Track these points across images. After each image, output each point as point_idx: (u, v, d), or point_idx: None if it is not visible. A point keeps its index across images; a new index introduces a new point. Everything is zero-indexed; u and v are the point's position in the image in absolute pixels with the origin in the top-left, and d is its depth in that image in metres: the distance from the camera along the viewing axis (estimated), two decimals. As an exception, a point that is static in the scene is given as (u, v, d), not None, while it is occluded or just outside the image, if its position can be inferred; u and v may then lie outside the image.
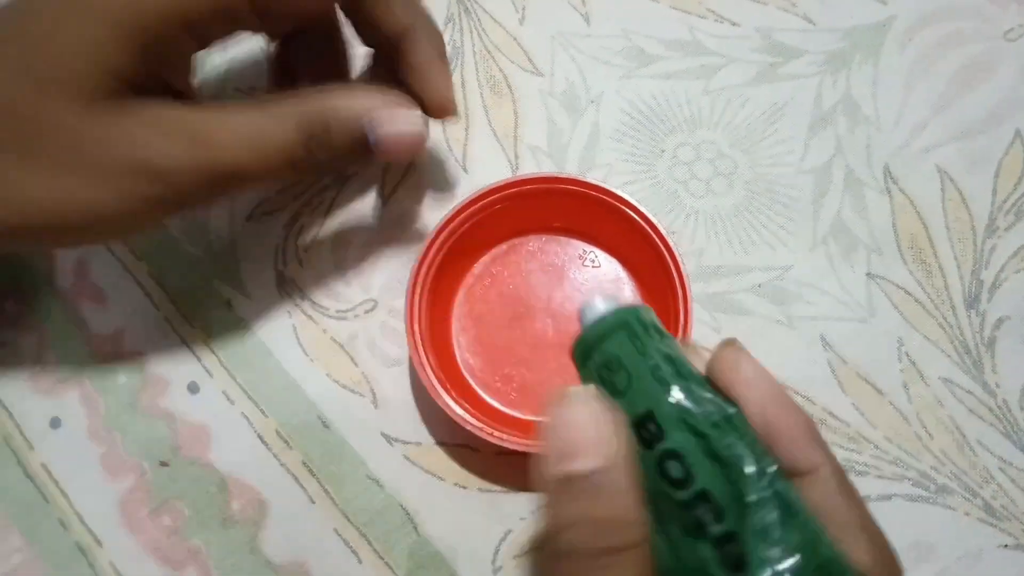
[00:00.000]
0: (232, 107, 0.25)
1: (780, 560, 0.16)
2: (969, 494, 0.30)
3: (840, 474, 0.18)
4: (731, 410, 0.18)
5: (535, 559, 0.29)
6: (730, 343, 0.20)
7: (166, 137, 0.24)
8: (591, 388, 0.19)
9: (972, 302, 0.33)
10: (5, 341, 0.33)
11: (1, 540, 0.30)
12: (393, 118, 0.25)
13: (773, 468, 0.17)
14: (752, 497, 0.17)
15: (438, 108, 0.29)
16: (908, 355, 0.32)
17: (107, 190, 0.23)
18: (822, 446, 0.18)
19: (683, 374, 0.19)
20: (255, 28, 0.26)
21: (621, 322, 0.19)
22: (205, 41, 0.25)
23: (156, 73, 0.24)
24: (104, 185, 0.23)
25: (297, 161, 0.25)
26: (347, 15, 0.28)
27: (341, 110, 0.25)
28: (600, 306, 0.20)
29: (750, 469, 0.17)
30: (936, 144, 0.35)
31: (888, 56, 0.36)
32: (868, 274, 0.33)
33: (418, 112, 0.27)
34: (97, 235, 0.25)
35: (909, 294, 0.33)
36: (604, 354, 0.19)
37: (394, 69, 0.29)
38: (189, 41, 0.25)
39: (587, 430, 0.17)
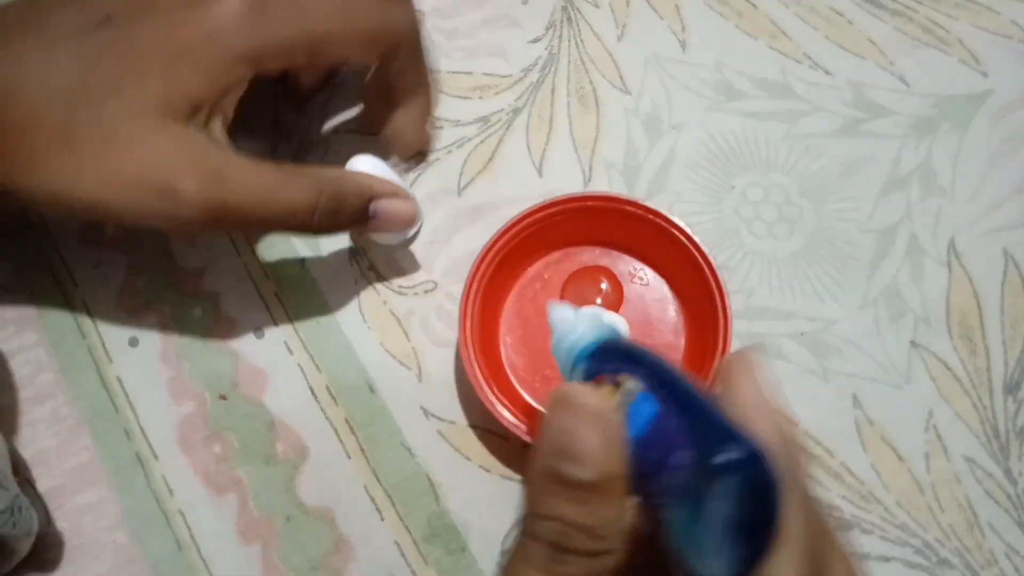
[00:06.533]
0: (258, 163, 0.29)
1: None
2: (970, 572, 0.31)
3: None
4: None
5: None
6: (743, 354, 0.20)
7: (193, 166, 0.27)
8: (614, 401, 0.19)
9: (1012, 388, 0.33)
10: (100, 261, 0.36)
11: (74, 438, 0.33)
12: (394, 204, 0.32)
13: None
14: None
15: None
16: (936, 427, 0.33)
17: (114, 192, 0.27)
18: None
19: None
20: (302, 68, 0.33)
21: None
22: (258, 77, 0.29)
23: (218, 104, 0.28)
24: (113, 187, 0.27)
25: (298, 223, 0.30)
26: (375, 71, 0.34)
27: (354, 186, 0.31)
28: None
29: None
30: (1007, 226, 0.35)
31: (976, 130, 0.36)
32: (912, 342, 0.34)
33: (414, 208, 0.33)
34: (117, 222, 0.31)
35: (949, 369, 0.33)
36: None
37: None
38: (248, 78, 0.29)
39: (597, 446, 0.18)
